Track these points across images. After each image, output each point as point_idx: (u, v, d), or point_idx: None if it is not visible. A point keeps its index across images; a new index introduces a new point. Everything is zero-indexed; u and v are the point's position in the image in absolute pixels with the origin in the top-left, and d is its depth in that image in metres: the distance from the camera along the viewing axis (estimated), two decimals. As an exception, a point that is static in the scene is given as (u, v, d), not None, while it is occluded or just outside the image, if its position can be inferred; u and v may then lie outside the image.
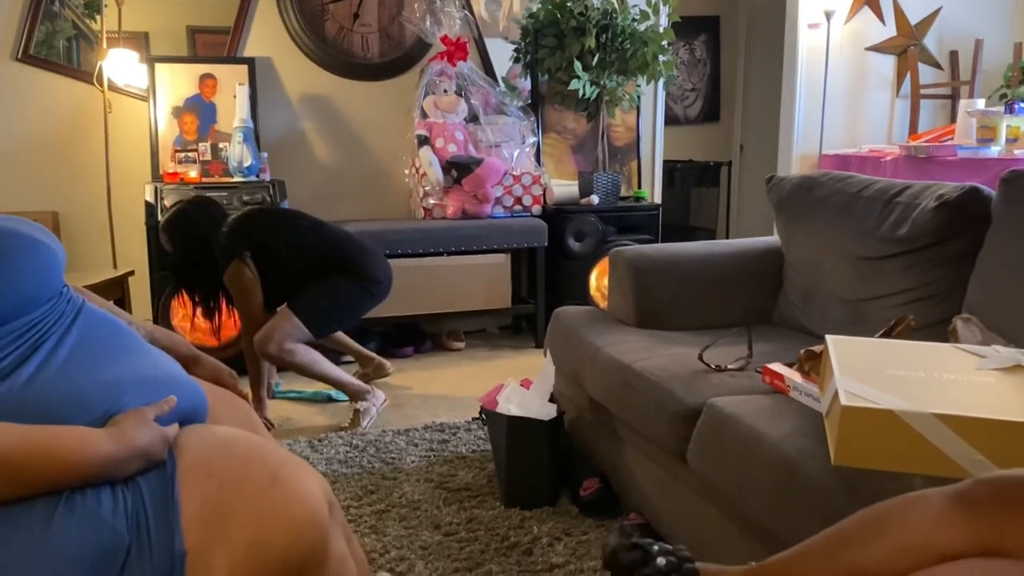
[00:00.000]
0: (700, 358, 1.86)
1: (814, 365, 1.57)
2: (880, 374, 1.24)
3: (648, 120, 4.47)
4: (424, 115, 3.87)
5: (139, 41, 3.78)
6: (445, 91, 3.89)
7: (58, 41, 3.68)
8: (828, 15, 4.73)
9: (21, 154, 3.61)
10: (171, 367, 1.19)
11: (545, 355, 2.37)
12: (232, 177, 3.60)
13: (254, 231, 2.83)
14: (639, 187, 4.34)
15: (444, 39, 3.89)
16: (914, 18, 4.97)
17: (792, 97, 4.89)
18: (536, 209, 3.90)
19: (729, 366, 1.84)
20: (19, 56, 3.57)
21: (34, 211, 3.53)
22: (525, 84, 4.14)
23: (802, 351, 1.61)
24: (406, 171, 4.00)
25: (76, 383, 1.01)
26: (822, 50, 4.80)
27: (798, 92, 4.86)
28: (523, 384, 2.26)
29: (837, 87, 4.91)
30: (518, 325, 4.23)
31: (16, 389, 0.96)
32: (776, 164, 5.05)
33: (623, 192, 4.21)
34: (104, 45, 3.61)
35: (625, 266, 2.38)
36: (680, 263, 2.37)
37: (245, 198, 3.42)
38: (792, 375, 1.62)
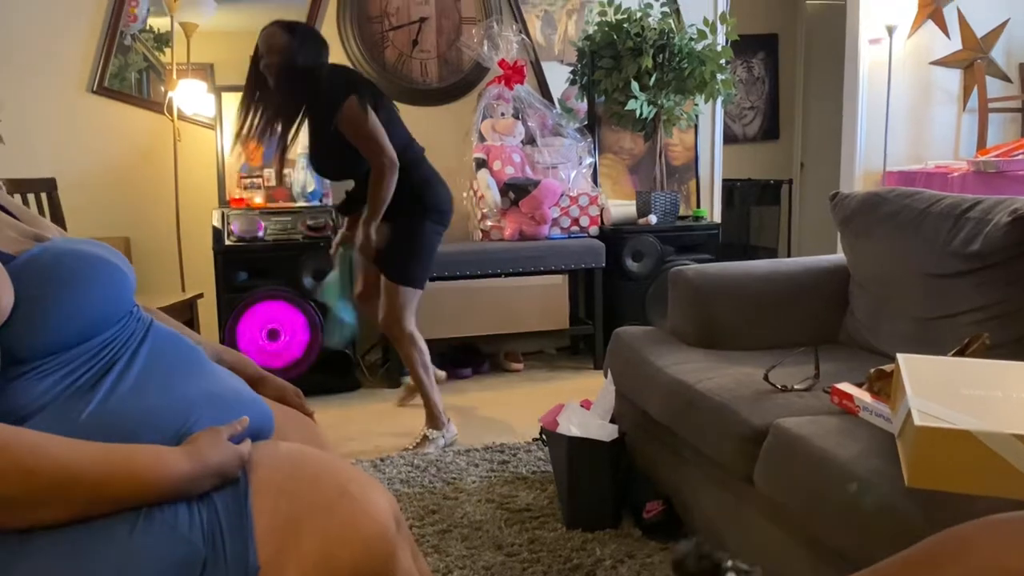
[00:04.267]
0: (766, 378, 1.83)
1: (884, 385, 1.54)
2: (955, 394, 1.21)
3: (706, 139, 4.44)
4: (482, 138, 3.91)
5: (205, 72, 3.91)
6: (502, 114, 3.93)
7: (130, 73, 3.83)
8: (890, 30, 4.65)
9: (96, 182, 3.76)
10: (239, 386, 1.22)
11: (605, 375, 2.36)
12: (295, 202, 3.69)
13: (376, 94, 2.72)
14: (698, 206, 4.31)
15: (501, 63, 3.94)
16: (980, 31, 4.85)
17: (854, 114, 4.81)
18: (594, 230, 3.90)
19: (796, 386, 1.81)
20: (94, 88, 3.73)
21: (107, 236, 3.65)
22: (581, 105, 4.17)
23: (872, 370, 1.58)
24: (464, 193, 4.04)
25: (149, 402, 1.04)
26: (884, 65, 4.72)
27: (860, 108, 4.78)
28: (583, 405, 2.25)
29: (901, 102, 4.82)
30: (576, 346, 4.22)
31: (92, 409, 0.99)
32: (838, 182, 4.96)
33: (682, 212, 4.19)
34: (174, 76, 3.74)
35: (685, 285, 2.37)
36: (742, 282, 2.35)
37: (309, 223, 3.50)
38: (862, 395, 1.58)
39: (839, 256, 2.44)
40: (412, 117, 4.01)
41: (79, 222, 3.54)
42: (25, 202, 3.15)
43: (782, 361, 1.96)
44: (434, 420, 2.88)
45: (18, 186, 2.86)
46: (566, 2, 4.23)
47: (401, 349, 2.90)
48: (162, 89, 3.82)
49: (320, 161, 2.84)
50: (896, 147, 4.83)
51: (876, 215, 2.20)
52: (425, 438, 2.85)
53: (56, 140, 3.69)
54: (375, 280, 2.94)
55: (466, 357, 3.86)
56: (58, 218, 3.07)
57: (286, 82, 2.67)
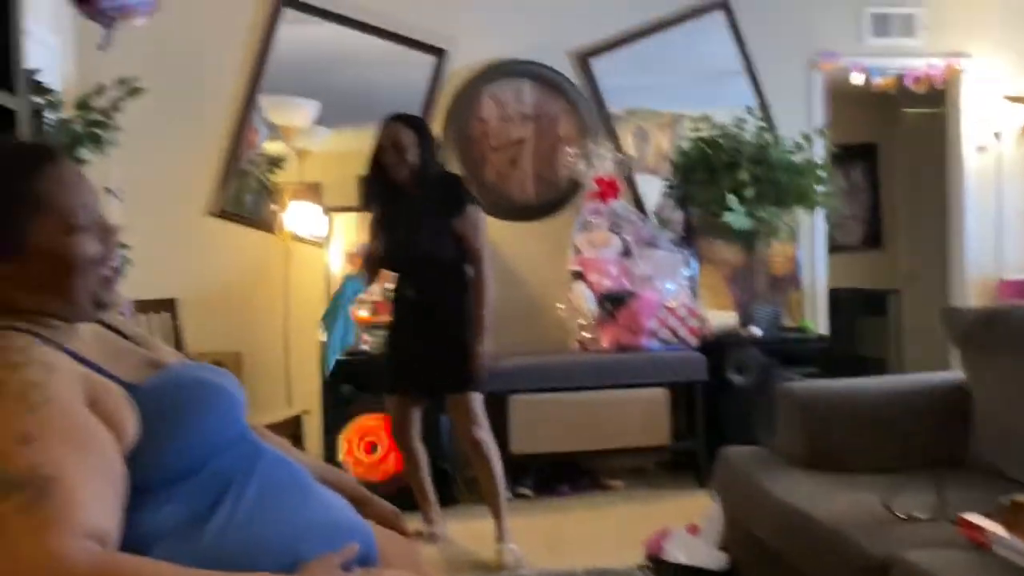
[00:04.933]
0: (886, 506, 1.73)
1: (1022, 518, 1.43)
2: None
3: (808, 249, 4.38)
4: (578, 251, 3.97)
5: (313, 191, 4.13)
6: (598, 228, 3.99)
7: (244, 196, 4.09)
8: (997, 135, 4.55)
9: (212, 301, 3.96)
10: (346, 511, 1.23)
11: (713, 498, 2.27)
12: (396, 316, 3.78)
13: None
14: (802, 318, 4.21)
15: (597, 180, 4.02)
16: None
17: (961, 222, 4.67)
18: (693, 341, 3.84)
19: (918, 515, 1.70)
20: (214, 212, 3.98)
21: (221, 351, 3.82)
22: (677, 216, 4.19)
23: (1006, 500, 1.48)
24: (560, 304, 4.06)
25: (264, 530, 1.06)
26: (992, 171, 4.59)
27: (967, 216, 4.64)
28: (690, 530, 2.17)
29: (1012, 208, 4.65)
30: (678, 463, 4.10)
31: (211, 538, 1.01)
32: (947, 291, 4.78)
33: (785, 323, 4.10)
34: (287, 198, 3.96)
35: (795, 404, 2.29)
36: (854, 400, 2.26)
37: (409, 336, 3.56)
38: (995, 528, 1.48)
39: (956, 373, 2.32)
40: (509, 232, 4.14)
41: (196, 339, 3.72)
42: (148, 322, 3.34)
43: (901, 486, 1.85)
44: (507, 531, 2.90)
45: (143, 307, 3.05)
46: (659, 118, 4.32)
47: (489, 455, 2.87)
48: (272, 209, 4.04)
49: (418, 239, 2.87)
50: (1010, 255, 4.64)
51: (998, 332, 2.10)
52: (511, 551, 2.81)
53: (178, 262, 3.92)
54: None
55: (563, 474, 3.79)
56: (178, 337, 3.24)
57: (412, 176, 2.86)
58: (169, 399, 1.06)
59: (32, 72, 2.22)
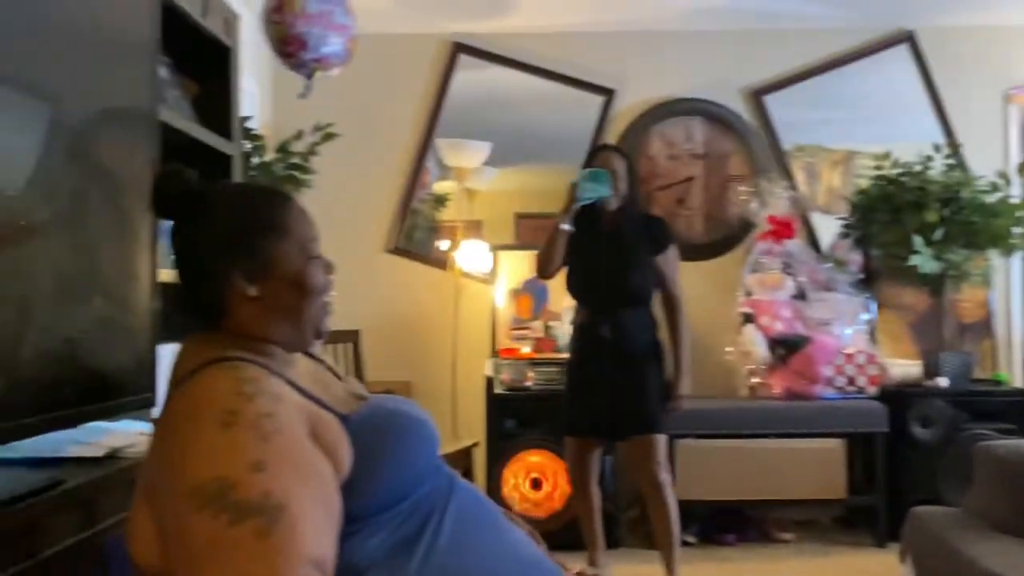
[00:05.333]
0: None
1: None
2: None
3: (1003, 295, 4.05)
4: (748, 293, 3.86)
5: (476, 228, 4.25)
6: (770, 269, 3.87)
7: (416, 233, 4.25)
8: None
9: (387, 330, 4.12)
10: (534, 547, 1.24)
11: (902, 561, 2.13)
12: (561, 354, 3.80)
13: None
14: (996, 369, 3.89)
15: (771, 219, 3.91)
16: None
17: None
18: (873, 390, 3.63)
19: None
20: (391, 248, 4.17)
21: (393, 380, 3.97)
22: (854, 258, 3.99)
23: None
24: (728, 348, 3.95)
25: (465, 561, 1.08)
26: None
27: None
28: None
29: None
30: (854, 518, 3.86)
31: (413, 568, 1.04)
32: None
33: (977, 374, 3.80)
34: (457, 235, 4.09)
35: (995, 464, 2.12)
36: (1068, 463, 2.05)
37: (574, 374, 3.57)
38: None
39: None
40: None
41: (372, 367, 3.89)
42: (335, 351, 3.53)
43: None
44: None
45: (332, 337, 3.22)
46: (831, 155, 4.16)
47: (669, 499, 2.82)
48: (436, 245, 4.18)
49: (626, 276, 2.84)
50: None
51: None
52: None
53: (360, 295, 4.10)
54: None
55: (730, 522, 3.66)
56: (359, 365, 3.40)
57: (618, 208, 2.88)
58: (378, 431, 1.11)
59: (244, 119, 2.42)
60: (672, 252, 2.90)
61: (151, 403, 1.60)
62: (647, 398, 2.79)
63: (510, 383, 3.61)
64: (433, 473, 1.17)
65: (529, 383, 3.65)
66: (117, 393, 1.49)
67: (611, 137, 4.14)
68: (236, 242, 1.10)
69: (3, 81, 1.17)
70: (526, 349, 3.85)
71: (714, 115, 4.11)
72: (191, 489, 0.91)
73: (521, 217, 4.36)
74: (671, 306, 2.88)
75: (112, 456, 1.50)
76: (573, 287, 2.95)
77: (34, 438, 1.31)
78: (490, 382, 3.63)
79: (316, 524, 0.93)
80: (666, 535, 2.84)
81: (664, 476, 2.80)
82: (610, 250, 2.84)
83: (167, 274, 1.86)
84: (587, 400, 2.85)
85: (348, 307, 4.07)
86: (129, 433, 1.62)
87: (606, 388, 2.80)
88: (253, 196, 1.16)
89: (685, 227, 4.12)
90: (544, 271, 2.93)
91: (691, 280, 4.06)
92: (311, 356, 1.25)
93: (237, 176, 2.21)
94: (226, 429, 0.94)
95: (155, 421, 1.07)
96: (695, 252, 4.10)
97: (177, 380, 1.04)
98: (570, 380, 2.95)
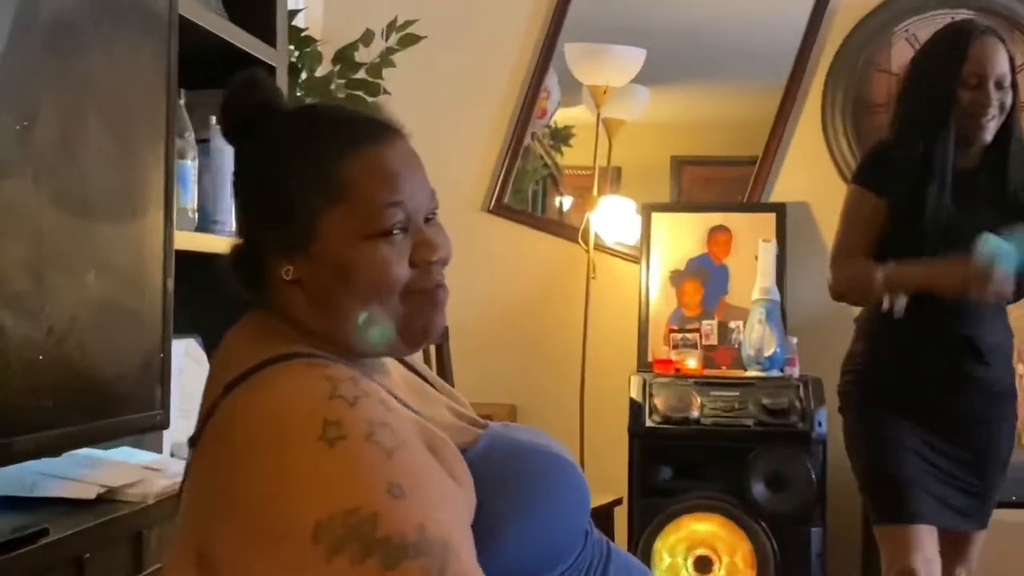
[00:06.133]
0: None
1: None
2: None
3: None
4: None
5: (616, 179, 4.20)
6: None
7: (526, 184, 4.24)
8: None
9: (482, 328, 4.12)
10: None
11: None
12: (745, 370, 3.74)
13: None
14: None
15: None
16: None
17: None
18: None
19: None
20: (491, 207, 4.17)
21: (490, 403, 3.97)
22: None
23: None
24: None
25: None
26: None
27: None
28: None
29: None
30: None
31: None
32: None
33: None
34: (591, 190, 4.05)
35: None
36: None
37: (765, 402, 3.50)
38: None
39: None
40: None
41: (460, 382, 3.90)
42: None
43: None
44: None
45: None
46: None
47: None
48: (557, 203, 4.15)
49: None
50: None
51: None
52: None
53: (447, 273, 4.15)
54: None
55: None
56: (447, 375, 3.42)
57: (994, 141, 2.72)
58: (506, 474, 1.11)
59: (291, 15, 2.45)
60: None
61: (161, 423, 1.64)
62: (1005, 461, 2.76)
63: (667, 412, 3.56)
64: (582, 539, 1.18)
65: (696, 413, 3.59)
66: (115, 408, 1.53)
67: (831, 44, 4.04)
68: (271, 196, 1.13)
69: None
70: (692, 362, 3.79)
71: (993, 8, 3.94)
72: (308, 531, 0.92)
73: (684, 163, 4.30)
74: None
75: (106, 499, 1.54)
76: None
77: (-2, 469, 1.36)
78: (637, 409, 3.59)
79: (476, 565, 0.96)
80: None
81: None
82: (974, 209, 2.64)
83: (187, 238, 1.90)
84: (936, 462, 2.69)
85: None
86: (130, 467, 1.67)
87: (975, 441, 2.70)
88: (316, 124, 1.17)
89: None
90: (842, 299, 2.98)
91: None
92: (404, 363, 1.26)
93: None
94: (333, 446, 0.95)
95: (197, 448, 1.08)
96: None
97: (226, 385, 1.06)
98: (886, 425, 2.74)
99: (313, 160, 1.11)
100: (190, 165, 2.04)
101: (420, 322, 1.13)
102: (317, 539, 0.91)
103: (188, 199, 2.06)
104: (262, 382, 1.03)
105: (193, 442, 1.08)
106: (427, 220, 1.14)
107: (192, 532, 1.02)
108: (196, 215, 2.11)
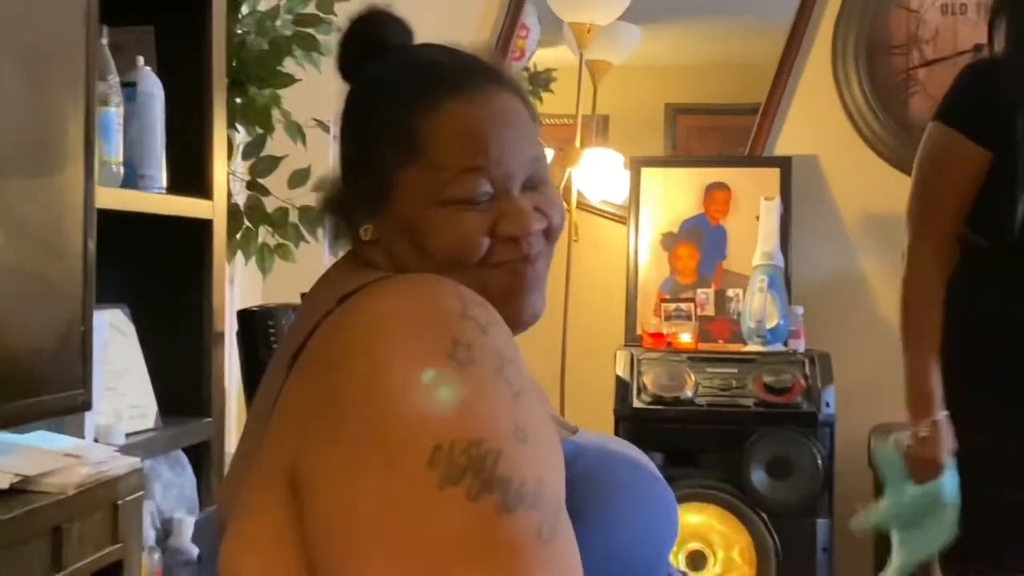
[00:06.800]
0: None
1: None
2: None
3: None
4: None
5: (602, 129, 4.19)
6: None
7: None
8: None
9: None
10: None
11: None
12: (744, 344, 3.76)
13: None
14: None
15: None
16: None
17: None
18: None
19: None
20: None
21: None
22: None
23: None
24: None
25: None
26: None
27: None
28: None
29: None
30: None
31: None
32: None
33: None
34: (574, 141, 4.05)
35: None
36: None
37: (767, 380, 3.52)
38: None
39: None
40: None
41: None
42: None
43: None
44: None
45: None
46: None
47: None
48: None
49: None
50: None
51: None
52: None
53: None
54: None
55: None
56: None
57: None
58: (596, 488, 1.10)
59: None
60: None
61: (83, 404, 1.63)
62: None
63: (658, 392, 3.58)
64: (663, 565, 1.19)
65: (689, 392, 3.61)
66: (31, 388, 1.52)
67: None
68: (352, 144, 1.17)
69: None
70: (686, 336, 3.81)
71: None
72: (425, 454, 0.90)
73: (679, 111, 4.30)
74: None
75: (20, 489, 1.53)
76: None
77: None
78: (624, 388, 3.61)
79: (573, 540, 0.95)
80: None
81: None
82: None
83: (111, 195, 1.89)
84: None
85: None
86: (47, 453, 1.66)
87: None
88: (407, 70, 1.18)
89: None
90: None
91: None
92: None
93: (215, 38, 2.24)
94: (464, 368, 0.94)
95: (298, 363, 1.05)
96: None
97: (341, 297, 1.05)
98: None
99: (392, 110, 1.13)
100: (114, 112, 2.02)
101: (502, 302, 1.09)
102: (434, 463, 0.89)
103: (112, 151, 2.04)
104: (389, 285, 1.03)
105: (291, 362, 1.06)
106: (528, 187, 1.14)
107: (284, 451, 0.99)
108: (121, 169, 2.10)
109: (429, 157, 1.09)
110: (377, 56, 1.17)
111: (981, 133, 2.36)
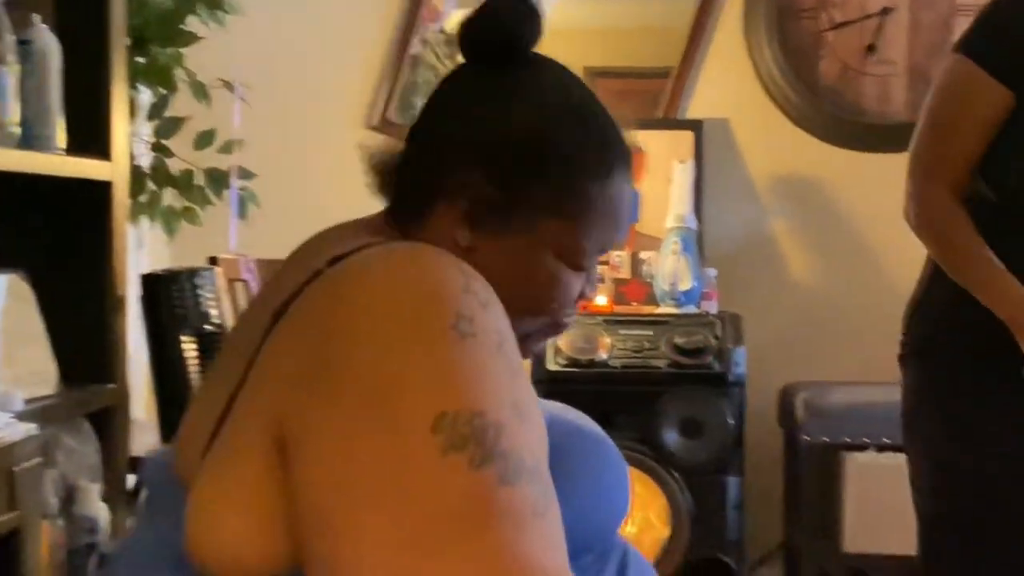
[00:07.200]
0: None
1: None
2: None
3: None
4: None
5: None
6: None
7: (416, 99, 4.20)
8: None
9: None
10: None
11: None
12: (658, 306, 3.78)
13: None
14: None
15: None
16: None
17: None
18: None
19: None
20: (374, 124, 4.13)
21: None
22: None
23: None
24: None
25: None
26: None
27: None
28: None
29: None
30: None
31: None
32: None
33: None
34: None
35: None
36: None
37: (678, 341, 3.55)
38: None
39: None
40: (860, 170, 3.99)
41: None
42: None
43: None
44: None
45: (269, 267, 3.20)
46: None
47: None
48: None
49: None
50: None
51: None
52: None
53: (326, 198, 4.07)
54: None
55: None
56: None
57: None
58: (565, 449, 1.12)
59: None
60: None
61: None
62: None
63: (573, 355, 3.59)
64: (616, 526, 1.24)
65: (604, 354, 3.62)
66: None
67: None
68: (511, 168, 1.13)
69: None
70: (601, 299, 3.82)
71: None
72: (430, 420, 0.91)
73: (600, 75, 4.28)
74: None
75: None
76: None
77: None
78: (538, 352, 3.61)
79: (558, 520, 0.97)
80: None
81: None
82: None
83: (7, 157, 1.86)
84: None
85: (304, 219, 4.07)
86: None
87: None
88: (591, 127, 1.18)
89: (876, 96, 4.07)
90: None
91: (884, 184, 3.96)
92: None
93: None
94: (465, 340, 0.95)
95: (287, 316, 1.04)
96: (892, 137, 3.99)
97: (333, 257, 1.05)
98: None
99: (568, 165, 1.14)
100: (8, 71, 1.99)
101: (531, 345, 1.20)
102: (437, 430, 0.90)
103: (7, 111, 2.01)
104: (392, 254, 1.03)
105: (276, 315, 1.05)
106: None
107: (269, 405, 0.99)
108: (18, 129, 2.06)
109: (579, 220, 1.14)
110: (519, 55, 1.19)
111: (1007, 72, 2.15)
